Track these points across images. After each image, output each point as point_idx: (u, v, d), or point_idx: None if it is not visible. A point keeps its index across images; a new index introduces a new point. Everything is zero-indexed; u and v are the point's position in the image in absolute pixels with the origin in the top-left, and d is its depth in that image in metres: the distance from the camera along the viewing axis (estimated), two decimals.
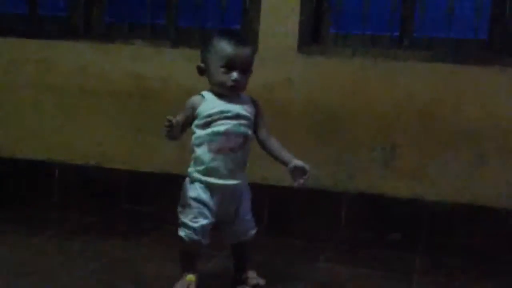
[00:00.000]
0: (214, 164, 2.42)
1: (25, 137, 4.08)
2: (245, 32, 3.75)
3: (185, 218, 2.45)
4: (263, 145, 2.55)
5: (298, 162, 2.44)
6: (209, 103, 2.44)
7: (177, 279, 2.52)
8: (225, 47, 2.40)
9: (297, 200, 3.65)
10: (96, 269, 2.80)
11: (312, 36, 3.76)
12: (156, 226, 3.54)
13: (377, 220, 3.61)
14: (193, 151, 2.47)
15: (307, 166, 2.43)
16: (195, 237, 2.44)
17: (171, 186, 3.81)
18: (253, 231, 2.59)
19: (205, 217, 2.44)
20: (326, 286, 2.78)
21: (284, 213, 3.69)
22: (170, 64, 3.85)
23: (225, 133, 2.41)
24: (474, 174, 3.51)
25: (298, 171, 2.44)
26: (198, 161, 2.46)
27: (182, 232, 2.46)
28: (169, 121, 2.32)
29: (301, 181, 2.44)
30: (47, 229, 3.37)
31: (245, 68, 2.43)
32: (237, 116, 2.44)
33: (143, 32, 4.03)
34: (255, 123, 2.52)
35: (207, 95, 2.48)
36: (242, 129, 2.45)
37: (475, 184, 3.52)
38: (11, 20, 4.20)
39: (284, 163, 2.48)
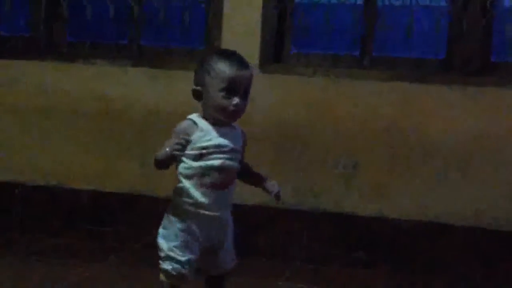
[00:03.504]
0: (204, 199, 2.23)
1: None
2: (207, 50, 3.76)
3: (171, 251, 2.25)
4: (241, 175, 2.38)
5: (267, 186, 2.37)
6: (204, 133, 2.24)
7: None
8: (226, 69, 2.21)
9: (259, 219, 3.65)
10: None
11: (273, 55, 3.78)
12: (120, 246, 3.52)
13: (340, 238, 3.63)
14: (180, 181, 2.27)
15: (275, 188, 2.37)
16: (183, 271, 2.24)
17: (134, 206, 3.85)
18: (234, 263, 2.41)
19: (191, 252, 2.25)
20: None
21: (246, 232, 3.68)
22: (133, 83, 3.84)
23: (220, 168, 2.23)
24: (436, 191, 3.55)
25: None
26: (186, 193, 2.25)
27: (168, 266, 2.25)
28: (186, 141, 2.18)
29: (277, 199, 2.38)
30: (8, 251, 3.33)
31: (246, 91, 2.26)
32: (232, 150, 2.27)
33: (105, 51, 4.02)
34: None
35: (199, 121, 2.26)
36: (235, 163, 2.28)
37: (437, 201, 3.55)
38: None
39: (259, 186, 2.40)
